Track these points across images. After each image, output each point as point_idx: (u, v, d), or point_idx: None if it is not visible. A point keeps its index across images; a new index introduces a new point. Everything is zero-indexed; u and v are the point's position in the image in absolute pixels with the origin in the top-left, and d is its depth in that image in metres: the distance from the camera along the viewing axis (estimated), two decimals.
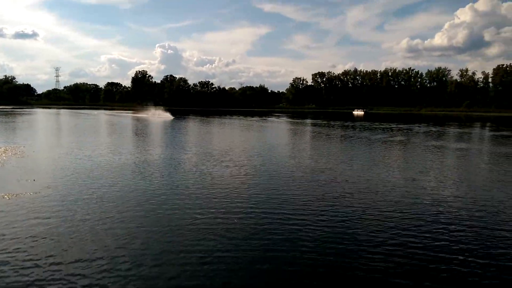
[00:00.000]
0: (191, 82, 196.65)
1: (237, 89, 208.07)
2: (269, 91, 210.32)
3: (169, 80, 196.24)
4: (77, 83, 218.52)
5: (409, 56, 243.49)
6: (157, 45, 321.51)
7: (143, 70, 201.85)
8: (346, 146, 27.66)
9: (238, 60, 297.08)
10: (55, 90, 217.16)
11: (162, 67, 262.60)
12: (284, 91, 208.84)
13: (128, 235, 8.12)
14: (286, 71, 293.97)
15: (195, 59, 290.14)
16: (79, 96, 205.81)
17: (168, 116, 70.18)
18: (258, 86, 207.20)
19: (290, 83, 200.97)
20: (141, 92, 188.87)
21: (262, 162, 18.38)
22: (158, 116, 72.25)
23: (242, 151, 22.93)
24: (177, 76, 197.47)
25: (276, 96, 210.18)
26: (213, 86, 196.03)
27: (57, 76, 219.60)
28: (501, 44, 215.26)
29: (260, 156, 20.71)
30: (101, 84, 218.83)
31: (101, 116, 77.80)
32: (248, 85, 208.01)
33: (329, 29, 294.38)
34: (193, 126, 49.16)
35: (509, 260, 7.21)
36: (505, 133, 42.36)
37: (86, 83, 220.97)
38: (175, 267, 6.67)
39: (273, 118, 77.19)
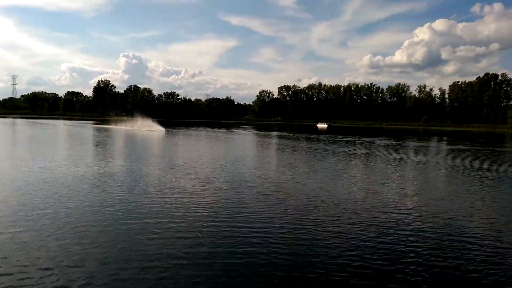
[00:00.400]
0: (156, 92, 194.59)
1: (203, 100, 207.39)
2: (236, 103, 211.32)
3: (133, 90, 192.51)
4: (35, 92, 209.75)
5: (371, 72, 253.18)
6: (121, 54, 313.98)
7: (106, 80, 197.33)
8: (311, 159, 27.94)
9: (205, 71, 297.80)
10: (11, 98, 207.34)
11: (126, 77, 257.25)
12: (251, 103, 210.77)
13: (80, 251, 7.61)
14: (252, 84, 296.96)
15: (160, 70, 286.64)
16: (37, 105, 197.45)
17: (159, 129, 59.57)
18: (224, 98, 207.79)
19: (257, 96, 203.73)
20: (103, 102, 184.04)
21: (228, 175, 18.12)
22: (142, 129, 62.03)
23: (208, 163, 22.55)
24: (142, 87, 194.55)
25: (243, 108, 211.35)
26: (179, 97, 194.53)
27: (14, 84, 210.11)
28: (457, 62, 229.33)
29: (226, 168, 20.44)
30: (61, 93, 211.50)
31: (61, 127, 74.66)
32: (215, 97, 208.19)
33: (294, 44, 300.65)
34: (158, 138, 48.08)
35: (466, 267, 7.37)
36: (460, 146, 44.45)
37: (45, 92, 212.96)
38: (129, 283, 6.30)
39: (240, 130, 77.20)
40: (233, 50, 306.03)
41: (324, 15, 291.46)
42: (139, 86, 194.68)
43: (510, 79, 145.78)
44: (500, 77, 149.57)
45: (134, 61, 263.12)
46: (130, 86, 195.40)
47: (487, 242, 9.10)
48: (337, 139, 53.80)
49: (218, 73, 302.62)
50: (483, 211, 12.31)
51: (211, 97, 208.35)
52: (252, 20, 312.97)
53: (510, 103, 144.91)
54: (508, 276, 7.15)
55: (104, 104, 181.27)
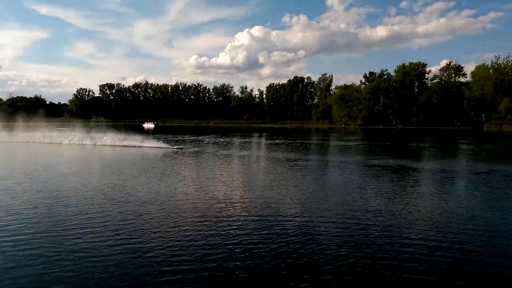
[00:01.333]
0: None
1: (4, 100, 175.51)
2: (48, 102, 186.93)
3: None
4: None
5: (198, 72, 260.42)
6: None
7: None
8: (138, 160, 26.52)
9: (6, 66, 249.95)
10: None
11: None
12: (67, 102, 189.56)
13: None
14: (68, 81, 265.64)
15: None
16: None
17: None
18: (33, 96, 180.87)
19: (74, 94, 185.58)
20: None
21: (40, 185, 15.44)
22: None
23: (15, 172, 18.76)
24: None
25: (57, 108, 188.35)
26: None
27: None
28: (272, 66, 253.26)
29: (34, 176, 17.40)
30: None
31: None
32: (20, 96, 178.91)
33: (116, 40, 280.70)
34: None
35: (285, 239, 8.07)
36: (277, 141, 49.97)
37: None
38: None
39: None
40: (42, 43, 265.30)
41: (148, 12, 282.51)
42: None
43: (313, 81, 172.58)
44: (306, 80, 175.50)
45: None
46: None
47: (299, 218, 10.56)
48: (167, 138, 53.09)
49: (23, 68, 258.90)
50: (295, 194, 14.03)
51: (14, 96, 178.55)
52: (66, 11, 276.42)
53: (314, 102, 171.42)
54: (316, 243, 8.10)
55: None
